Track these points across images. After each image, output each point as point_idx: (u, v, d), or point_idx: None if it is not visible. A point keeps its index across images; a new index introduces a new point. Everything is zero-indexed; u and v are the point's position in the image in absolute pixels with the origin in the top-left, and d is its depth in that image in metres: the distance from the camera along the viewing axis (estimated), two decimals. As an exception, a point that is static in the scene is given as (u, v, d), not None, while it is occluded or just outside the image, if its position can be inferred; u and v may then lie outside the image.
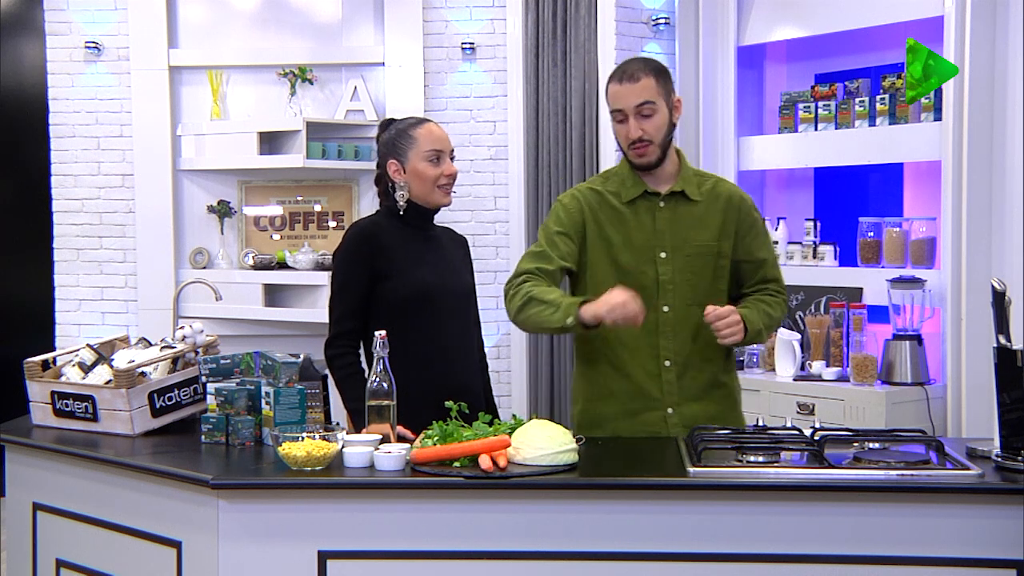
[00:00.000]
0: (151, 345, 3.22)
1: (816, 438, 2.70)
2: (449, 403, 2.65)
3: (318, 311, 5.25)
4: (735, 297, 2.96)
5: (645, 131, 2.83)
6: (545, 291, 2.77)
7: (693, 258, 2.89)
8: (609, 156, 5.23)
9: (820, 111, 4.97)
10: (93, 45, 5.56)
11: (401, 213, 3.07)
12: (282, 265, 5.46)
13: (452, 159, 3.09)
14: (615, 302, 2.61)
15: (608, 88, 2.90)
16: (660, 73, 2.86)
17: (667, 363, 2.91)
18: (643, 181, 2.92)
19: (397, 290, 2.99)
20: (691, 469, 2.48)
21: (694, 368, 2.91)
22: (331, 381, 3.03)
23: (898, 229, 4.71)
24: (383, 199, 3.17)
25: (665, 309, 2.88)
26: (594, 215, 2.91)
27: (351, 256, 3.02)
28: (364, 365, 3.00)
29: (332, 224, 5.59)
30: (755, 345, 4.84)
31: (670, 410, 2.90)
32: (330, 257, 5.24)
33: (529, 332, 2.90)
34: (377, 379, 2.68)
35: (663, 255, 2.89)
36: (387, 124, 3.17)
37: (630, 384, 2.91)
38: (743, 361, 4.85)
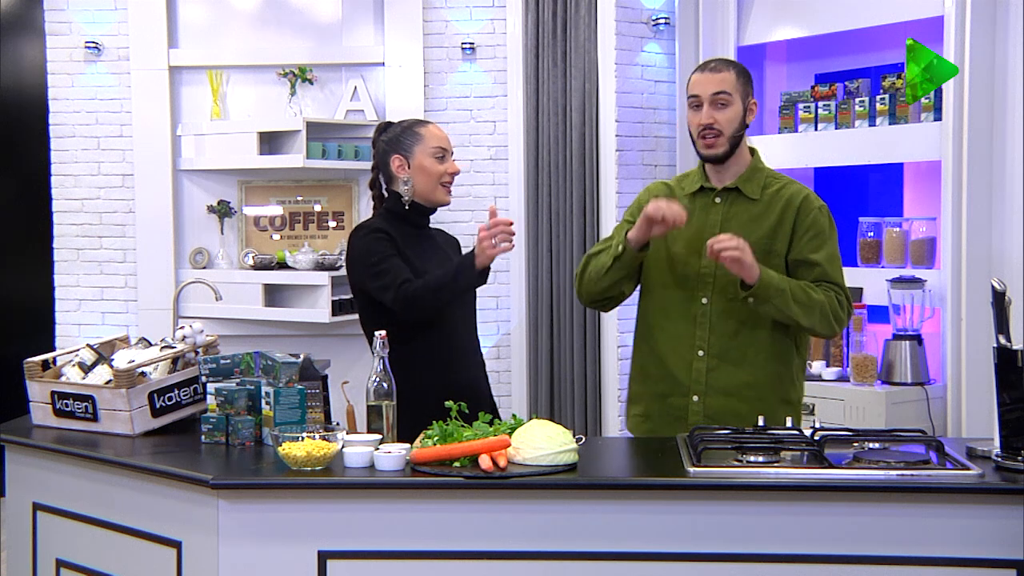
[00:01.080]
0: (151, 345, 3.22)
1: (816, 438, 2.70)
2: (449, 403, 2.65)
3: (318, 311, 5.25)
4: None
5: (716, 120, 2.91)
6: (600, 247, 2.93)
7: None
8: (609, 156, 5.23)
9: (820, 111, 4.97)
10: (93, 45, 5.56)
11: (406, 208, 3.08)
12: (282, 265, 5.45)
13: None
14: (652, 207, 2.72)
15: (691, 78, 3.00)
16: (742, 73, 2.96)
17: (700, 353, 2.95)
18: (705, 176, 3.00)
19: None
20: (691, 469, 2.48)
21: (730, 363, 2.93)
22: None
23: (898, 229, 4.71)
24: (378, 203, 3.18)
25: (704, 301, 2.93)
26: None
27: (377, 245, 2.99)
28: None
29: (332, 224, 5.59)
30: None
31: (695, 398, 2.94)
32: (330, 257, 5.29)
33: (594, 295, 2.98)
34: (377, 379, 2.68)
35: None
36: (384, 127, 3.19)
37: (663, 368, 2.98)
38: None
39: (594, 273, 2.95)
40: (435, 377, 3.00)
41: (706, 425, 2.86)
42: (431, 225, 3.21)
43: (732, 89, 2.91)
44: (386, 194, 3.17)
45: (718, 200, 2.98)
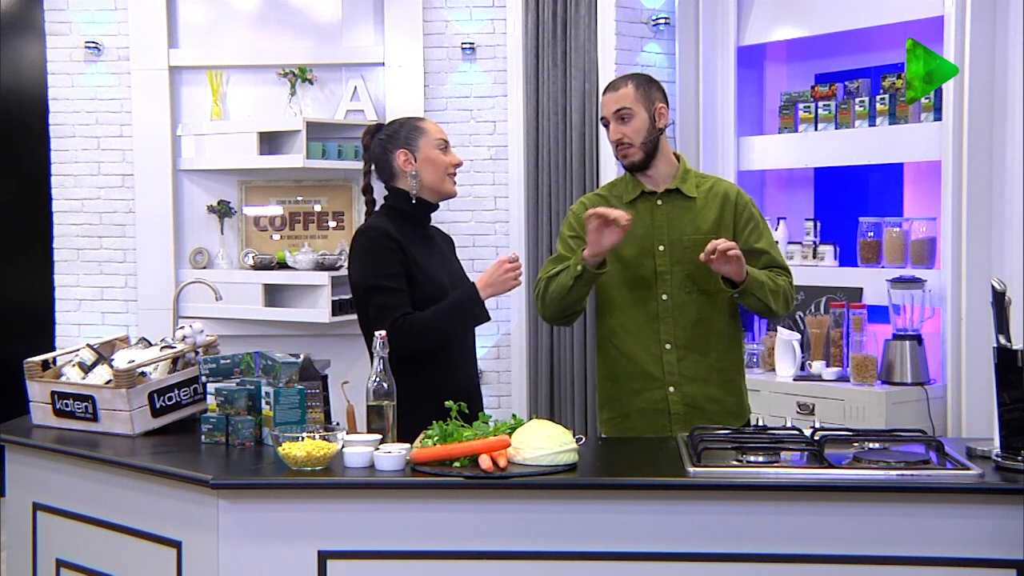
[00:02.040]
0: (151, 345, 3.22)
1: (816, 438, 2.70)
2: (449, 403, 2.65)
3: (318, 311, 5.25)
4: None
5: (624, 134, 3.08)
6: (557, 269, 3.04)
7: (690, 250, 3.05)
8: (609, 156, 5.23)
9: (820, 111, 4.97)
10: (93, 45, 5.56)
11: (413, 202, 3.07)
12: (282, 265, 5.45)
13: None
14: (600, 210, 2.86)
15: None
16: (642, 83, 3.11)
17: (668, 346, 3.09)
18: (641, 183, 3.14)
19: (421, 290, 2.98)
20: (691, 469, 2.48)
21: (696, 352, 3.07)
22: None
23: (898, 229, 4.71)
24: (370, 208, 3.16)
25: (664, 297, 3.08)
26: None
27: (383, 252, 2.96)
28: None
29: (332, 224, 5.59)
30: (754, 345, 4.85)
31: (671, 388, 3.07)
32: (330, 257, 5.29)
33: (557, 314, 3.12)
34: (377, 379, 2.68)
35: (661, 248, 3.08)
36: (376, 129, 3.17)
37: (634, 366, 3.10)
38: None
39: (556, 294, 3.04)
40: (438, 376, 2.98)
41: (685, 413, 3.04)
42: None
43: (631, 103, 3.07)
44: (387, 191, 3.14)
45: (660, 202, 3.12)
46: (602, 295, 3.15)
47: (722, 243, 2.87)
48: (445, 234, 3.31)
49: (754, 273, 2.98)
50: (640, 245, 3.08)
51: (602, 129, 5.21)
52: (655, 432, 3.06)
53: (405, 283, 2.96)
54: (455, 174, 3.14)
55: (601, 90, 5.22)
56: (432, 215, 3.16)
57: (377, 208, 3.16)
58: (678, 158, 3.19)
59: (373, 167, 3.16)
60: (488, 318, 3.04)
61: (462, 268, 3.24)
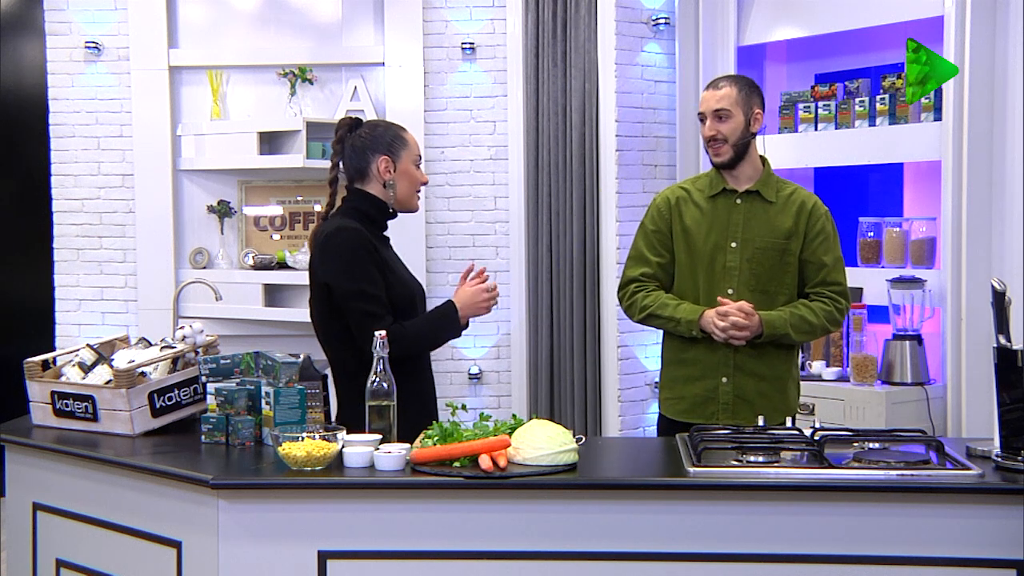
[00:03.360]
0: (151, 345, 3.22)
1: (816, 438, 2.70)
2: (449, 403, 2.65)
3: (318, 311, 5.25)
4: (803, 294, 3.30)
5: (718, 131, 3.25)
6: (660, 304, 3.26)
7: (761, 251, 3.25)
8: (609, 156, 5.23)
9: (820, 111, 4.97)
10: (93, 45, 5.56)
11: (391, 211, 3.07)
12: (282, 265, 5.45)
13: None
14: (720, 325, 3.13)
15: (701, 96, 3.36)
16: (744, 87, 3.28)
17: None
18: (725, 180, 3.30)
19: (392, 291, 2.96)
20: (691, 469, 2.48)
21: (751, 347, 3.21)
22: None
23: (898, 229, 4.71)
24: (332, 200, 3.08)
25: (729, 292, 3.24)
26: (678, 209, 3.32)
27: (361, 257, 2.92)
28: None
29: (332, 224, 5.59)
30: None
31: (724, 379, 3.24)
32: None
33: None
34: (377, 379, 2.68)
35: (733, 245, 3.26)
36: (354, 124, 3.10)
37: (697, 353, 3.27)
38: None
39: (651, 322, 3.30)
40: (404, 380, 2.84)
41: (733, 404, 3.22)
42: None
43: (731, 104, 3.23)
44: (349, 191, 3.08)
45: (739, 201, 3.28)
46: (677, 284, 3.33)
47: (728, 328, 3.11)
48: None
49: (776, 327, 3.17)
50: (715, 240, 3.26)
51: (603, 129, 5.30)
52: (704, 419, 3.22)
53: (383, 287, 2.94)
54: (420, 191, 3.17)
55: (601, 90, 5.29)
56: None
57: (338, 206, 3.08)
58: (764, 162, 3.34)
59: (341, 162, 3.09)
60: (460, 335, 3.10)
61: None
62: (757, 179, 3.30)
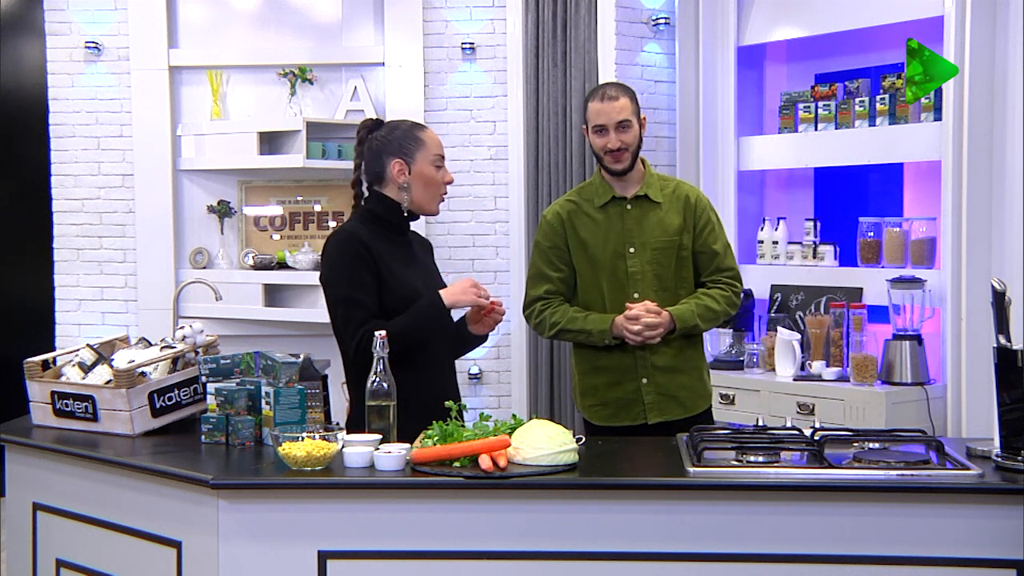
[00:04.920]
0: (151, 345, 3.22)
1: (816, 438, 2.70)
2: (449, 403, 2.65)
3: (318, 311, 5.24)
4: (699, 283, 3.41)
5: (623, 142, 3.32)
6: (569, 319, 3.34)
7: (658, 252, 3.35)
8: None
9: (820, 111, 4.97)
10: (93, 45, 5.56)
11: (404, 214, 3.04)
12: (282, 265, 5.46)
13: None
14: (633, 330, 3.23)
15: (589, 106, 3.37)
16: (632, 96, 3.38)
17: None
18: (612, 188, 3.39)
19: (392, 294, 2.94)
20: (691, 469, 2.48)
21: (663, 345, 3.32)
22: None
23: (898, 229, 4.71)
24: (357, 202, 3.09)
25: (635, 296, 3.34)
26: (571, 222, 3.40)
27: (352, 260, 2.92)
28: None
29: (332, 224, 5.59)
30: (754, 345, 4.85)
31: (645, 380, 3.34)
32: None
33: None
34: (377, 379, 2.68)
35: (631, 250, 3.35)
36: (375, 124, 3.09)
37: (611, 359, 3.35)
38: (743, 361, 4.85)
39: (563, 337, 3.39)
40: (408, 382, 2.83)
41: (658, 401, 3.31)
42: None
43: (630, 114, 3.33)
44: (366, 193, 3.08)
45: (629, 207, 3.38)
46: (581, 296, 3.41)
47: (640, 330, 3.21)
48: (423, 239, 3.27)
49: (686, 319, 3.29)
50: (613, 248, 3.36)
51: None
52: (631, 420, 3.34)
53: (374, 290, 2.92)
54: (446, 192, 3.11)
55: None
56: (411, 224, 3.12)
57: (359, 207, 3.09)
58: (643, 162, 3.43)
59: (363, 164, 3.08)
60: (452, 323, 3.05)
61: (438, 272, 3.21)
62: (642, 183, 3.39)
